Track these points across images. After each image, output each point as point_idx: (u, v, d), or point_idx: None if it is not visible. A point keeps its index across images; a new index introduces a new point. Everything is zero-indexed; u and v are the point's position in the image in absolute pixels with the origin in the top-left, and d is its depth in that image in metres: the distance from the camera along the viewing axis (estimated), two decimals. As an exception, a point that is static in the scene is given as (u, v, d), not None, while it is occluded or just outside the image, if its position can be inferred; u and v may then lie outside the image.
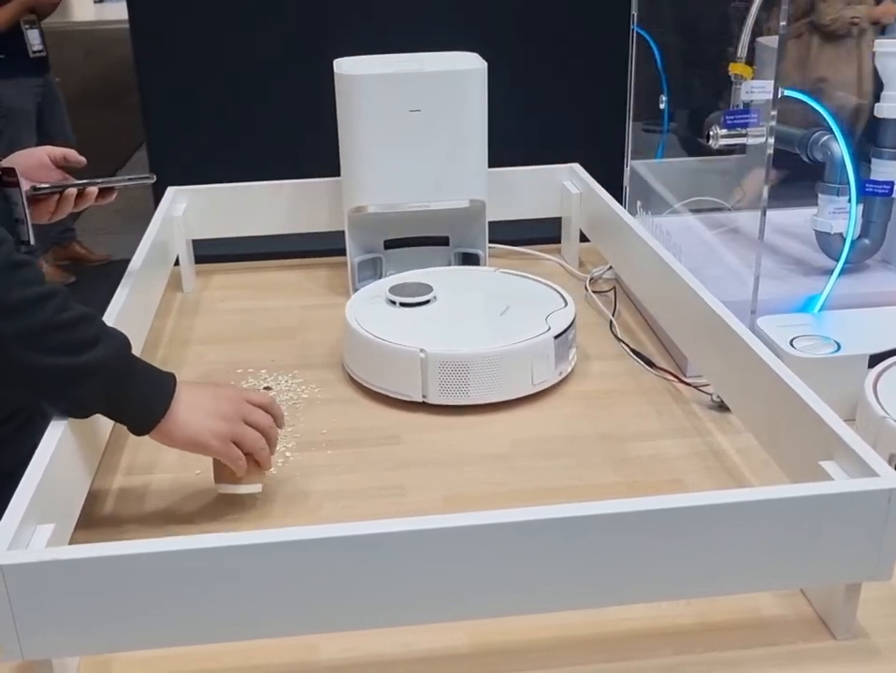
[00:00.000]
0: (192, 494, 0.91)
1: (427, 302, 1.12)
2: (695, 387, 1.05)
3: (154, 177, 1.12)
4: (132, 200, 4.96)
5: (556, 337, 1.04)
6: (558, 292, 1.15)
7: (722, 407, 1.01)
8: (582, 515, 0.65)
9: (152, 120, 4.01)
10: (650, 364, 1.12)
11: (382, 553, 0.64)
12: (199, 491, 0.91)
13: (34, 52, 3.79)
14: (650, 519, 0.66)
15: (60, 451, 0.75)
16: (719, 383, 0.96)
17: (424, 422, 1.02)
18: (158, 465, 0.95)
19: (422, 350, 1.01)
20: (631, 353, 1.15)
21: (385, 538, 0.63)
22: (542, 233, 1.55)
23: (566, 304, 1.11)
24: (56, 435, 0.76)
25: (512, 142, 1.44)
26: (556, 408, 1.04)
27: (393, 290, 1.13)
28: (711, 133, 1.03)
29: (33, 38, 3.75)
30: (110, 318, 0.98)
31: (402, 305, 1.11)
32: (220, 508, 0.88)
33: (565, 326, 1.06)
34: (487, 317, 1.10)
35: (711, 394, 1.03)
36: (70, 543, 0.75)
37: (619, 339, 1.18)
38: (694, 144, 1.51)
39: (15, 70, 3.74)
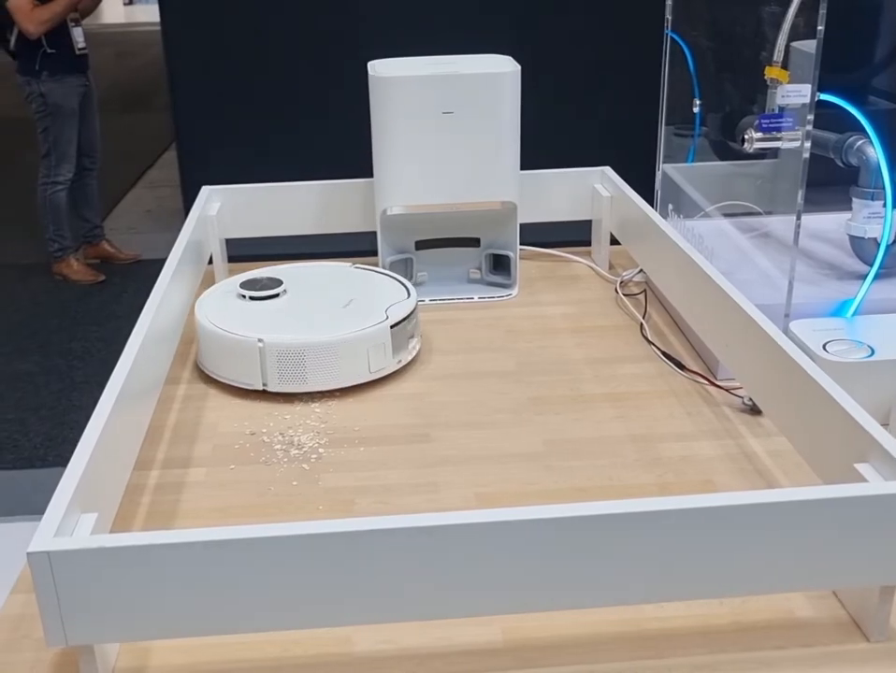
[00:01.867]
0: (226, 486, 0.92)
1: (276, 296, 1.17)
2: (726, 389, 1.05)
3: None
4: (161, 200, 5.02)
5: (393, 327, 1.09)
6: (404, 285, 1.20)
7: (753, 409, 1.01)
8: (615, 513, 0.66)
9: (183, 121, 4.06)
10: (680, 366, 1.12)
11: (417, 548, 0.65)
12: (234, 483, 0.92)
13: (79, 50, 3.83)
14: (684, 518, 0.66)
15: (103, 441, 0.76)
16: (752, 386, 0.96)
17: (454, 420, 1.02)
18: (193, 460, 0.96)
19: (260, 340, 1.06)
20: (662, 356, 1.15)
21: (420, 533, 0.64)
22: (572, 235, 1.55)
23: (408, 296, 1.16)
24: (99, 425, 0.77)
25: (543, 145, 1.45)
26: (587, 409, 1.05)
27: (244, 284, 1.19)
28: (746, 136, 1.03)
29: (77, 36, 3.81)
30: (149, 314, 0.99)
31: (251, 298, 1.17)
32: (254, 501, 0.89)
33: (403, 316, 1.11)
34: (331, 309, 1.15)
35: (742, 397, 1.03)
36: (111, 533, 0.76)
37: (650, 342, 1.19)
38: (725, 148, 1.51)
39: (61, 68, 3.79)
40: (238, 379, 1.09)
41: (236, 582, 0.64)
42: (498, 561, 0.65)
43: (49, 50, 3.74)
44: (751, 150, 1.03)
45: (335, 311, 1.14)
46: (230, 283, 1.22)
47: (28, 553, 0.61)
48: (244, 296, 1.17)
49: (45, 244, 4.09)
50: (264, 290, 1.17)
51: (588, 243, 1.49)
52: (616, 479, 0.92)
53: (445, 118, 1.24)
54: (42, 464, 2.67)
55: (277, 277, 1.20)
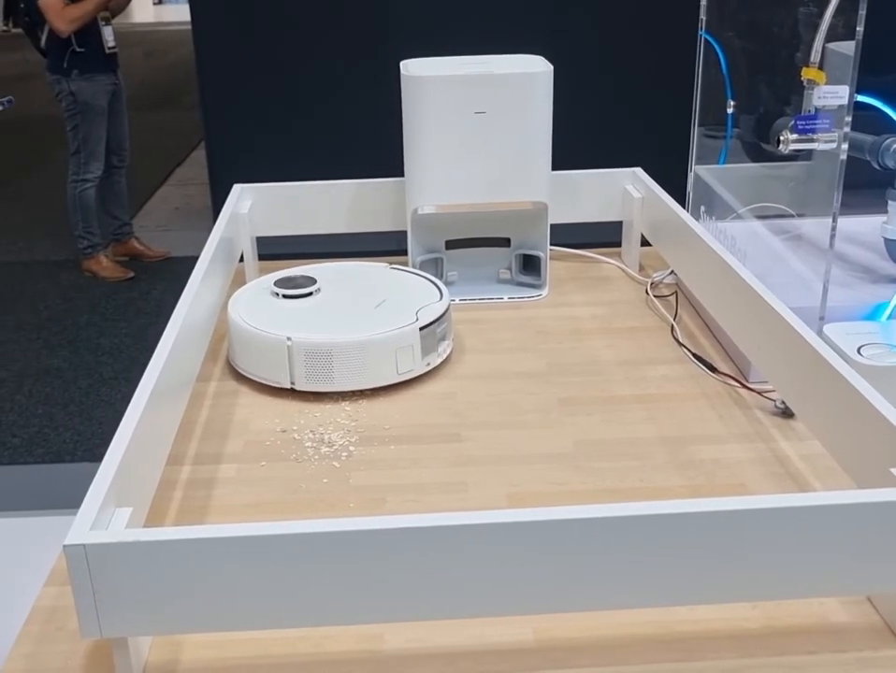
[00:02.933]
0: (257, 483, 0.92)
1: (309, 294, 1.17)
2: (758, 392, 1.05)
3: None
4: (190, 198, 5.04)
5: (423, 329, 1.09)
6: (438, 288, 1.20)
7: (786, 413, 1.01)
8: (647, 514, 0.66)
9: (212, 119, 4.08)
10: (712, 368, 1.12)
11: (448, 546, 0.65)
12: (265, 480, 0.92)
13: (108, 49, 3.86)
14: (716, 520, 0.66)
15: (137, 436, 0.77)
16: (785, 389, 0.95)
17: (484, 420, 1.02)
18: (225, 456, 0.97)
19: (289, 339, 1.06)
20: (693, 358, 1.14)
21: (451, 531, 0.64)
22: (601, 237, 1.55)
23: (441, 298, 1.16)
24: (134, 420, 0.77)
25: (574, 145, 1.45)
26: (618, 410, 1.04)
27: (278, 283, 1.18)
28: (781, 137, 1.02)
29: (107, 35, 3.84)
30: (182, 310, 1.00)
31: (284, 297, 1.17)
32: (285, 498, 0.90)
33: (433, 319, 1.10)
34: (362, 309, 1.15)
35: (774, 400, 1.02)
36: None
37: (680, 344, 1.18)
38: (758, 150, 1.50)
39: (91, 67, 3.82)
40: (268, 377, 1.09)
41: (268, 578, 0.64)
42: (529, 561, 0.65)
43: (78, 49, 3.78)
44: (786, 152, 1.03)
45: (366, 311, 1.14)
46: (265, 281, 1.22)
47: (65, 546, 0.62)
48: (277, 294, 1.17)
49: (74, 241, 4.12)
50: (297, 288, 1.17)
51: (618, 244, 1.49)
52: (647, 480, 0.92)
53: (477, 117, 1.24)
54: (71, 458, 2.70)
55: (311, 275, 1.20)
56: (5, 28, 13.35)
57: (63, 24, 3.70)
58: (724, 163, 1.49)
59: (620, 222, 1.46)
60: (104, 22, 3.82)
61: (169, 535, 0.63)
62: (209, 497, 0.90)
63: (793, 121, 1.03)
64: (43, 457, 2.72)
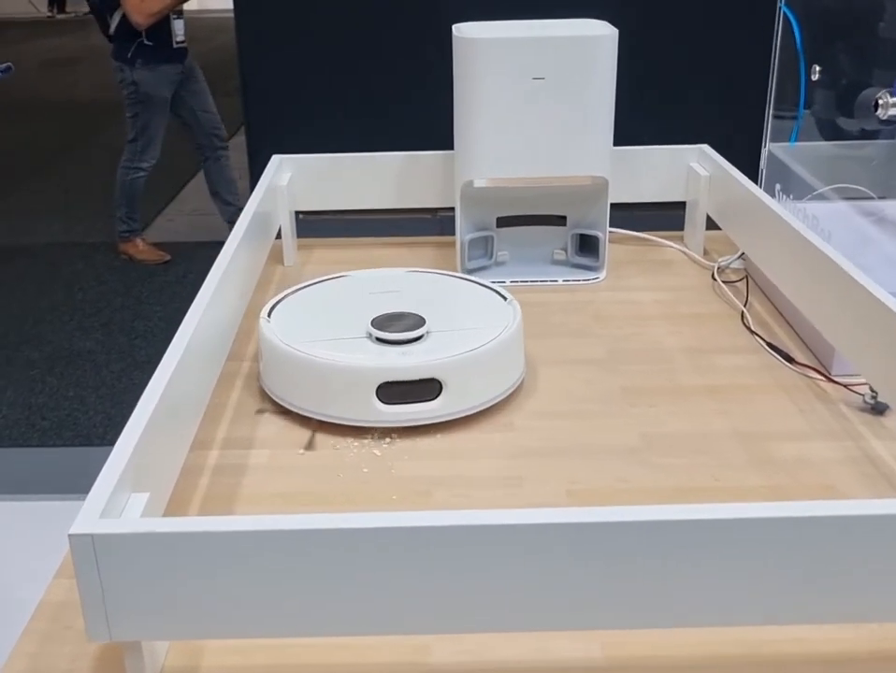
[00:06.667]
0: (291, 471, 0.84)
1: (419, 339, 0.93)
2: (844, 386, 0.95)
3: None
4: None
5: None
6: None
7: (876, 409, 0.91)
8: (727, 518, 0.56)
9: (252, 99, 3.99)
10: (789, 359, 1.02)
11: (503, 548, 0.56)
12: (299, 468, 0.84)
13: (177, 43, 3.77)
14: (806, 527, 0.57)
15: (157, 415, 0.68)
16: (879, 381, 0.85)
17: (539, 408, 0.94)
18: (256, 441, 0.89)
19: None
20: (767, 347, 1.05)
21: (508, 532, 0.55)
22: (655, 221, 1.45)
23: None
24: (154, 398, 0.69)
25: (633, 118, 1.35)
26: (686, 402, 0.95)
27: (378, 323, 0.94)
28: (880, 101, 0.92)
29: (178, 29, 3.76)
30: (212, 284, 0.92)
31: (388, 342, 0.92)
32: (321, 488, 0.81)
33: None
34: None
35: (863, 395, 0.92)
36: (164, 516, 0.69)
37: (753, 332, 1.08)
38: (834, 128, 1.40)
39: (157, 59, 3.73)
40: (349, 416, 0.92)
41: (303, 578, 0.56)
42: (595, 568, 0.56)
43: (146, 42, 3.70)
44: (884, 117, 0.93)
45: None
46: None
47: (70, 535, 0.54)
48: (373, 337, 0.93)
49: (114, 223, 4.08)
50: (404, 331, 0.93)
51: (674, 229, 1.39)
52: (722, 479, 0.82)
53: (535, 84, 1.15)
54: (101, 442, 2.64)
55: (414, 312, 0.97)
56: (49, 14, 13.44)
57: (141, 18, 3.62)
58: (795, 141, 1.39)
59: (677, 206, 1.36)
60: (175, 16, 3.73)
61: (191, 525, 0.55)
62: (238, 485, 0.82)
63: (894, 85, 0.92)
64: (73, 440, 2.67)
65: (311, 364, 0.90)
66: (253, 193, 1.22)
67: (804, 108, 1.38)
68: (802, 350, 1.05)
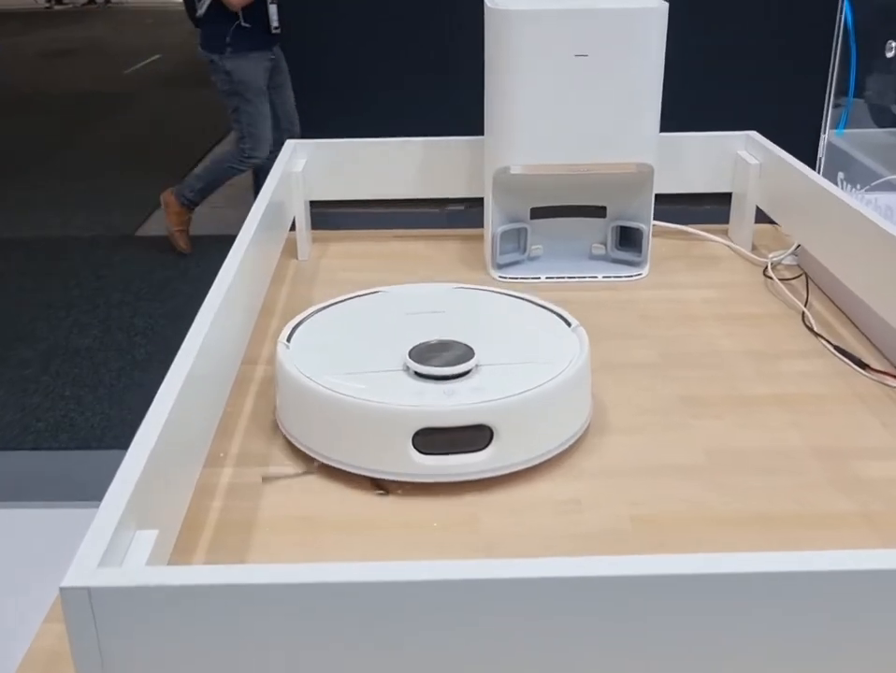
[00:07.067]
0: (315, 491, 0.74)
1: (467, 373, 0.77)
2: (932, 396, 0.85)
3: None
4: (237, 178, 4.85)
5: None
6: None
7: (971, 422, 0.81)
8: (842, 570, 0.46)
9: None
10: (862, 364, 0.92)
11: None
12: (323, 487, 0.74)
13: (274, 29, 3.60)
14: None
15: (166, 435, 0.58)
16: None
17: (592, 420, 0.83)
18: (274, 456, 0.79)
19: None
20: (835, 351, 0.95)
21: (569, 584, 0.46)
22: (697, 214, 1.36)
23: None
24: (162, 415, 0.59)
25: (678, 102, 1.25)
26: (754, 413, 0.85)
27: (417, 355, 0.78)
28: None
29: (273, 14, 3.59)
30: (226, 279, 0.82)
31: (428, 377, 0.76)
32: (350, 510, 0.71)
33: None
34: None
35: (955, 406, 0.83)
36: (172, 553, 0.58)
37: (817, 334, 0.99)
38: (887, 114, 1.30)
39: (249, 44, 3.53)
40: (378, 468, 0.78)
41: (341, 638, 0.46)
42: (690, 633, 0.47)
43: (244, 24, 3.49)
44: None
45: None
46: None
47: (62, 589, 0.44)
48: (418, 374, 0.76)
49: (182, 186, 3.87)
50: (449, 365, 0.76)
51: (716, 221, 1.29)
52: (806, 503, 0.72)
53: (577, 61, 1.04)
54: (98, 445, 2.53)
55: (461, 340, 0.80)
56: (48, 5, 13.31)
57: None
58: (844, 128, 1.29)
59: (716, 197, 1.27)
60: (270, 1, 3.56)
61: (212, 576, 0.45)
62: (256, 508, 0.72)
63: None
64: (69, 443, 2.56)
65: (334, 402, 0.74)
66: (267, 180, 1.12)
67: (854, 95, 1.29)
68: (874, 355, 0.95)
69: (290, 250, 1.21)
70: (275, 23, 3.59)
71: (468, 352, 0.78)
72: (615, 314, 1.05)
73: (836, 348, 0.95)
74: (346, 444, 0.75)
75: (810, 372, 0.92)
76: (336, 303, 0.91)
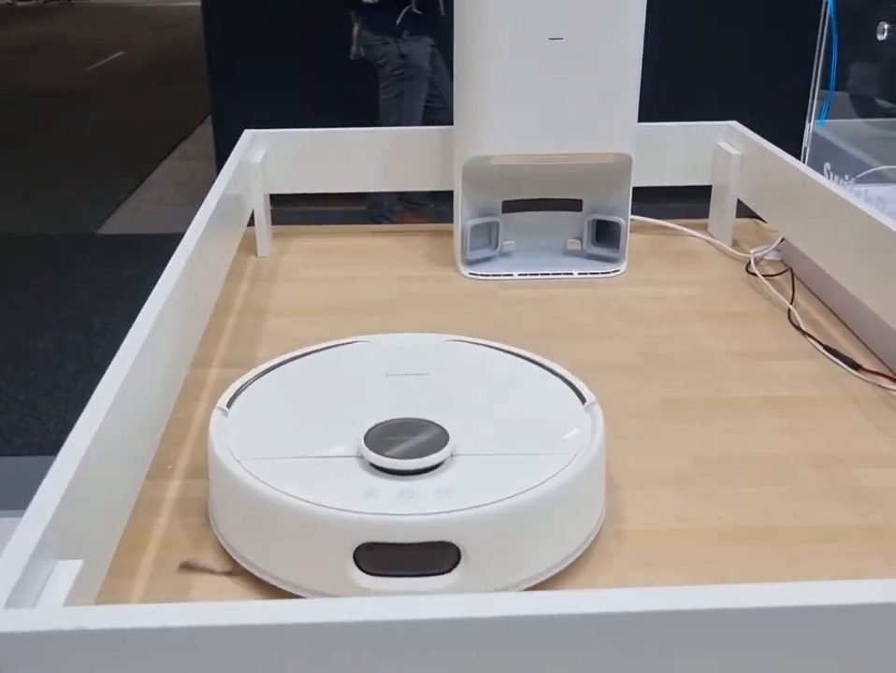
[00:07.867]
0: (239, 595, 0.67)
1: (439, 465, 0.59)
2: (931, 398, 0.80)
3: None
4: (194, 172, 4.79)
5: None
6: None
7: (973, 426, 0.76)
8: (851, 604, 0.41)
9: (218, 84, 3.82)
10: (854, 365, 0.87)
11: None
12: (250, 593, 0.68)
13: (443, 13, 3.50)
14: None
15: (98, 442, 0.52)
16: None
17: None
18: (227, 467, 0.72)
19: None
20: (825, 351, 0.90)
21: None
22: (671, 209, 1.31)
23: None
24: (94, 423, 0.53)
25: (657, 92, 1.20)
26: (742, 416, 0.80)
27: (371, 440, 0.59)
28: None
29: None
30: (171, 278, 0.75)
31: (392, 472, 0.58)
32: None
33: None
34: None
35: (955, 409, 0.78)
36: (103, 587, 0.52)
37: (805, 333, 0.93)
38: (870, 105, 1.26)
39: (420, 28, 3.43)
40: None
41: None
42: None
43: (416, 10, 3.39)
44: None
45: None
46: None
47: (-39, 634, 0.37)
48: (364, 459, 0.59)
49: (371, 203, 3.77)
50: (417, 457, 0.58)
51: (692, 216, 1.24)
52: (804, 516, 0.67)
53: (551, 45, 0.99)
54: (54, 451, 2.44)
55: (433, 418, 0.62)
56: (10, 1, 13.12)
57: None
58: (825, 118, 1.25)
59: (693, 190, 1.21)
60: None
61: (143, 619, 0.39)
62: (205, 525, 0.66)
63: None
64: (23, 448, 2.47)
65: (261, 498, 0.57)
66: (222, 171, 1.06)
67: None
68: (866, 355, 0.90)
69: (249, 246, 1.15)
70: (442, 8, 3.48)
71: (440, 437, 0.60)
72: (593, 313, 0.99)
73: (826, 347, 0.90)
74: (274, 551, 0.58)
75: (799, 373, 0.87)
76: (301, 356, 0.73)
